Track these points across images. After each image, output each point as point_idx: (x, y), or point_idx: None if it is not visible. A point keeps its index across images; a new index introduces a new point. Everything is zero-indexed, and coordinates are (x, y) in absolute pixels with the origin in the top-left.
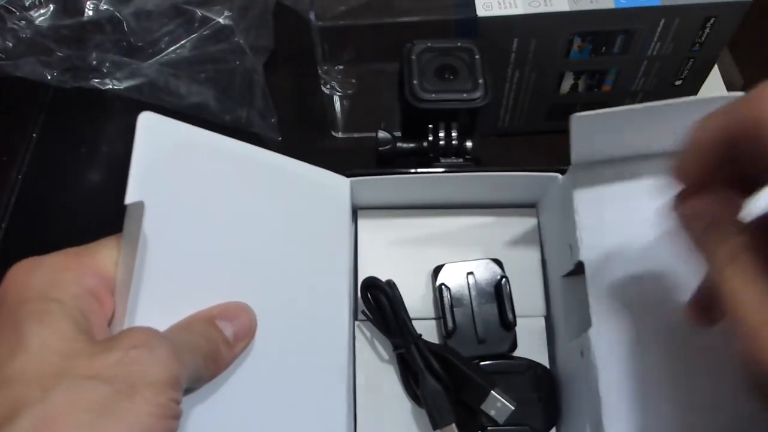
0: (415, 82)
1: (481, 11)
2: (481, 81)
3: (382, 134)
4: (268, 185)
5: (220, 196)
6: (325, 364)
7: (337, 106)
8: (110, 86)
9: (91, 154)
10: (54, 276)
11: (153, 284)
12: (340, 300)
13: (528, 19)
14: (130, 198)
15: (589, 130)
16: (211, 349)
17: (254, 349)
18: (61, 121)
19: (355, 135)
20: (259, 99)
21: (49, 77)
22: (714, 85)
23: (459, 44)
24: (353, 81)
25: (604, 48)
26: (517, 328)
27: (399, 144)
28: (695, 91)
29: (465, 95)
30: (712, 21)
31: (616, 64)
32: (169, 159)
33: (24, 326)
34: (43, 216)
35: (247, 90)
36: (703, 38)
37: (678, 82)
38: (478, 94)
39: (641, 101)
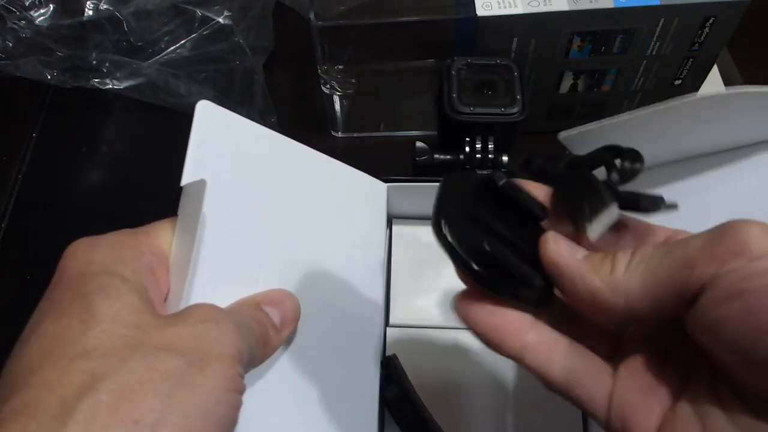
0: (454, 95)
1: (481, 11)
2: (519, 97)
3: (419, 144)
4: (313, 182)
5: (268, 186)
6: (359, 366)
7: (337, 106)
8: (110, 86)
9: (91, 153)
10: (114, 252)
11: (208, 264)
12: (375, 302)
13: (527, 19)
14: (186, 179)
15: (586, 146)
16: (261, 332)
17: (294, 340)
18: (61, 121)
19: (355, 135)
20: (259, 99)
21: (49, 77)
22: (713, 85)
23: (498, 61)
24: (353, 81)
25: (603, 48)
26: None
27: (436, 155)
28: (695, 91)
29: (503, 110)
30: (711, 21)
31: (615, 64)
32: (223, 146)
33: (93, 300)
34: (43, 215)
35: (247, 90)
36: (702, 38)
37: (677, 82)
38: (515, 109)
39: (640, 101)
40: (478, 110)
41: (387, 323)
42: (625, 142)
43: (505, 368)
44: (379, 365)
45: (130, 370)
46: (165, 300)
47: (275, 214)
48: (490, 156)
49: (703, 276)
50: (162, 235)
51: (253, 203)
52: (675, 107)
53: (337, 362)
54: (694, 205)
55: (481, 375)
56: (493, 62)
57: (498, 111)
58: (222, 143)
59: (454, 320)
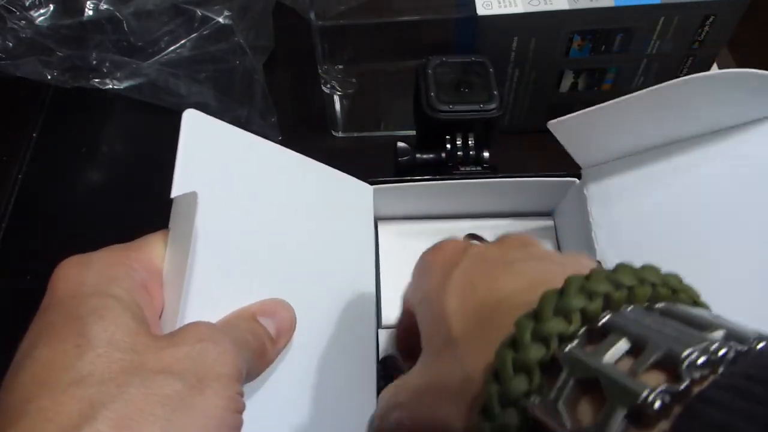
0: (432, 94)
1: (481, 10)
2: (495, 93)
3: (401, 145)
4: (301, 186)
5: (256, 194)
6: (355, 370)
7: (337, 106)
8: (110, 86)
9: (91, 153)
10: (106, 271)
11: (202, 278)
12: (367, 305)
13: (528, 18)
14: (176, 191)
15: (574, 133)
16: (258, 345)
17: (289, 347)
18: (62, 121)
19: (355, 134)
20: (259, 99)
21: (49, 77)
22: None
23: (473, 59)
24: (353, 80)
25: (603, 46)
26: None
27: (418, 155)
28: None
29: (481, 106)
30: (711, 19)
31: (615, 63)
32: (211, 156)
33: (87, 323)
34: (43, 215)
35: (247, 90)
36: (702, 36)
37: None
38: (493, 105)
39: None
40: (457, 108)
41: (379, 325)
42: (612, 128)
43: None
44: (374, 367)
45: (128, 397)
46: (160, 317)
47: (265, 221)
48: (471, 153)
49: None
50: (154, 250)
51: (242, 212)
52: (660, 90)
53: (333, 367)
54: (683, 185)
55: None
56: (468, 60)
57: (476, 108)
58: (210, 152)
59: None
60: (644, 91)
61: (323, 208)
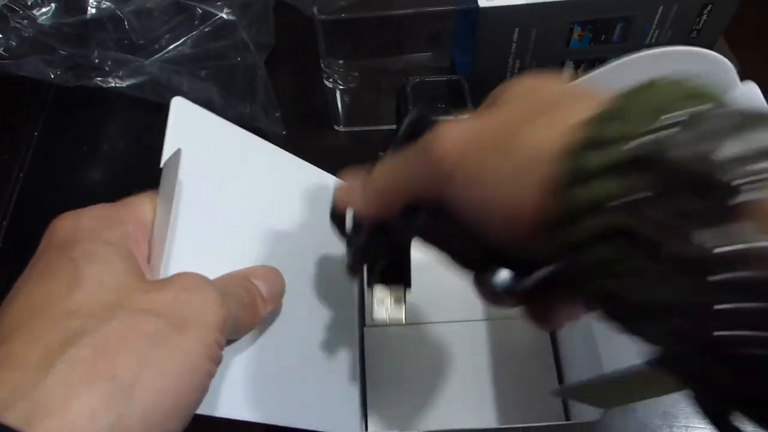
0: (410, 108)
1: (483, 2)
2: (469, 105)
3: (382, 155)
4: (282, 182)
5: (241, 180)
6: (339, 367)
7: (339, 100)
8: (112, 84)
9: (93, 152)
10: (99, 221)
11: (186, 233)
12: (350, 303)
13: (529, 9)
14: (165, 160)
15: None
16: (250, 299)
17: (274, 341)
18: (64, 119)
19: (357, 129)
20: (262, 94)
21: (51, 75)
22: None
23: (449, 77)
24: (356, 74)
25: (603, 36)
26: None
27: None
28: None
29: (456, 116)
30: (709, 7)
31: (615, 53)
32: (198, 138)
33: (79, 264)
34: (44, 214)
35: (250, 85)
36: (700, 25)
37: None
38: (466, 115)
39: None
40: (434, 118)
41: (364, 324)
42: None
43: (488, 360)
44: (358, 366)
45: (110, 328)
46: (148, 263)
47: (244, 210)
48: None
49: None
50: (143, 205)
51: (226, 190)
52: (630, 62)
53: (318, 363)
54: None
55: (462, 367)
56: (445, 79)
57: (451, 118)
58: (196, 136)
59: (431, 316)
60: (616, 61)
61: (303, 204)
